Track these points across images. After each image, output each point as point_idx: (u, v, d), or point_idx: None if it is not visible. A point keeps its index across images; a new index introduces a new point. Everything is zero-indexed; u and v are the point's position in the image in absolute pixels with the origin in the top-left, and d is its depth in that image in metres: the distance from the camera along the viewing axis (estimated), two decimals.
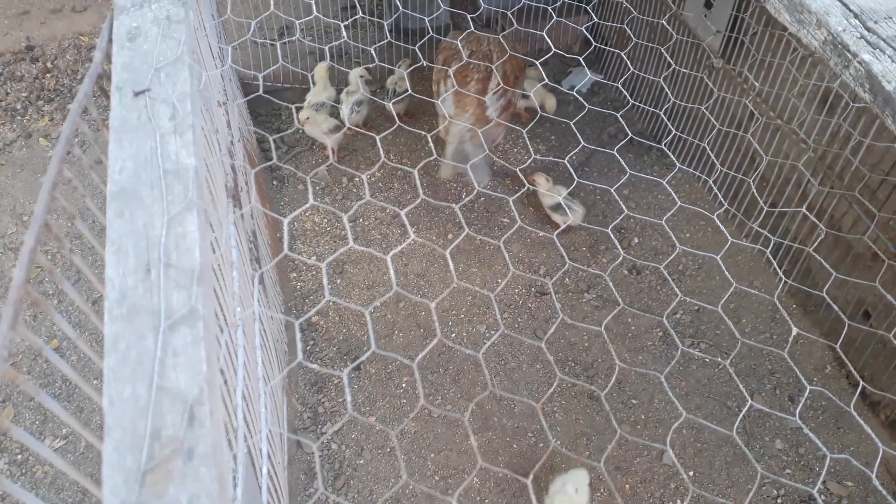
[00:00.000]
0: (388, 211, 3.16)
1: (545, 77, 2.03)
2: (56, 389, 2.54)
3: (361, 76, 3.40)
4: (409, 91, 3.41)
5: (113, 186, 1.06)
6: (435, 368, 2.64)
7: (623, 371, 2.64)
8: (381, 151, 1.83)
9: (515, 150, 3.53)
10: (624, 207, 2.02)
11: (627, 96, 2.25)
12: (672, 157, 2.01)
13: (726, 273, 1.87)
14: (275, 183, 3.31)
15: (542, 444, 2.44)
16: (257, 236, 2.28)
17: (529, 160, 3.38)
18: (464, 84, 2.97)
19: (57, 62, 3.85)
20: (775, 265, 2.88)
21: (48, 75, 3.78)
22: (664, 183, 1.92)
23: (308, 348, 2.68)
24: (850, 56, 1.41)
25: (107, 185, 1.07)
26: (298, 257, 2.96)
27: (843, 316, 1.68)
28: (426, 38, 3.15)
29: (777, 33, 2.55)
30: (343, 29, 2.00)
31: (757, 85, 2.77)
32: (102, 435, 0.81)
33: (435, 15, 2.63)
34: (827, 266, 1.75)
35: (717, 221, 1.71)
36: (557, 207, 3.02)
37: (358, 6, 3.39)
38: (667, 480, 2.37)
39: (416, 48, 2.44)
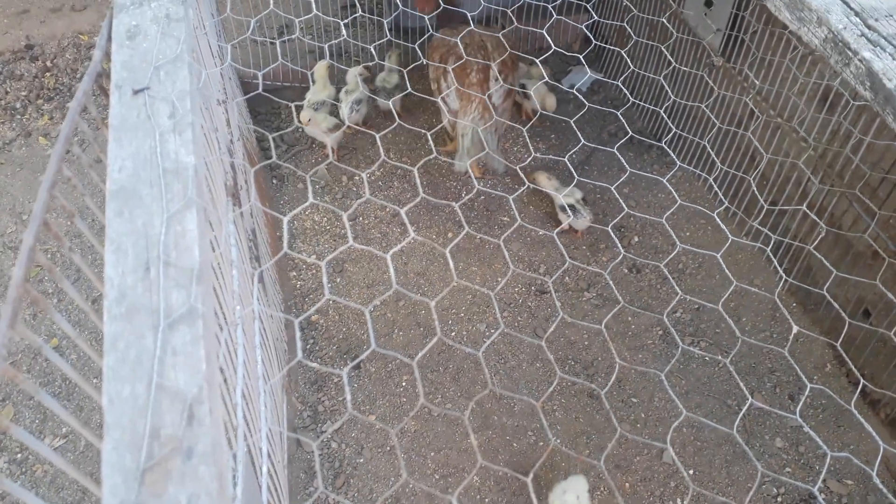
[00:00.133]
0: (387, 209, 3.16)
1: (545, 75, 2.03)
2: (56, 388, 2.54)
3: (360, 74, 3.40)
4: (399, 84, 3.42)
5: (112, 185, 1.06)
6: (435, 367, 2.64)
7: (623, 369, 2.64)
8: (381, 150, 1.83)
9: (515, 148, 3.52)
10: (624, 206, 2.02)
11: (628, 94, 2.25)
12: (672, 155, 2.01)
13: (726, 271, 1.87)
14: (274, 181, 3.31)
15: (541, 443, 2.44)
16: (257, 235, 2.28)
17: (529, 158, 3.38)
18: (464, 78, 2.99)
19: (56, 61, 3.84)
20: (776, 263, 2.88)
21: (48, 74, 3.78)
22: (664, 181, 1.92)
23: (308, 347, 2.68)
24: (850, 54, 1.40)
25: (106, 183, 1.07)
26: (298, 256, 2.96)
27: (843, 314, 1.68)
28: (426, 36, 3.15)
29: (777, 31, 2.55)
30: (343, 27, 2.00)
31: (757, 83, 2.77)
32: (102, 434, 0.81)
33: (435, 13, 2.62)
34: (827, 264, 1.75)
35: (718, 220, 1.71)
36: (565, 209, 3.00)
37: (357, 5, 3.39)
38: (667, 479, 2.37)
39: (416, 46, 2.44)
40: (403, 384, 2.59)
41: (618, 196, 2.07)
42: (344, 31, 1.91)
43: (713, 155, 2.45)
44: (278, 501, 1.74)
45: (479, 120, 3.00)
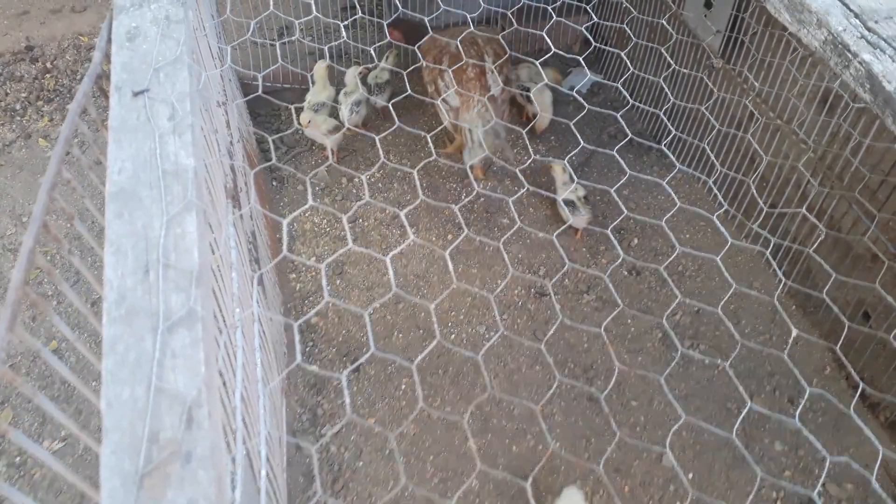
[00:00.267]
0: (387, 212, 3.16)
1: (547, 78, 2.02)
2: (55, 391, 2.53)
3: (360, 73, 3.40)
4: (389, 81, 3.44)
5: (112, 187, 1.06)
6: (434, 370, 2.63)
7: (622, 373, 2.64)
8: (381, 152, 1.82)
9: (515, 150, 3.52)
10: (623, 208, 2.02)
11: (627, 96, 2.25)
12: (672, 157, 2.01)
13: (726, 274, 1.87)
14: (274, 183, 3.30)
15: (541, 447, 2.43)
16: (257, 237, 2.27)
17: (529, 160, 3.38)
18: (461, 74, 3.02)
19: (56, 62, 3.84)
20: (775, 266, 2.88)
21: (48, 75, 3.78)
22: (664, 184, 1.92)
23: (307, 349, 2.68)
24: (850, 56, 1.40)
25: (106, 185, 1.07)
26: (298, 258, 2.96)
27: (842, 317, 1.68)
28: (426, 37, 3.15)
29: (777, 33, 2.55)
30: (342, 29, 2.00)
31: (757, 85, 2.77)
32: (100, 437, 0.81)
33: (435, 15, 2.63)
34: (826, 267, 1.75)
35: (717, 222, 1.70)
36: (566, 204, 3.02)
37: (357, 6, 3.39)
38: (666, 483, 2.36)
39: (417, 48, 2.44)
40: (403, 387, 2.58)
41: (617, 199, 2.07)
42: (344, 33, 1.91)
43: (713, 157, 2.45)
44: None
45: (484, 112, 3.02)
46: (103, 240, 1.00)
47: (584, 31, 2.60)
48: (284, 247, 1.53)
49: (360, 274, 2.94)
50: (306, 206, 3.09)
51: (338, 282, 2.92)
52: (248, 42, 3.32)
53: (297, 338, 1.42)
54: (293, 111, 2.47)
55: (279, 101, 3.02)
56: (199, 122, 1.23)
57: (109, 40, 1.33)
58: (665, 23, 3.21)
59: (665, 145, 3.24)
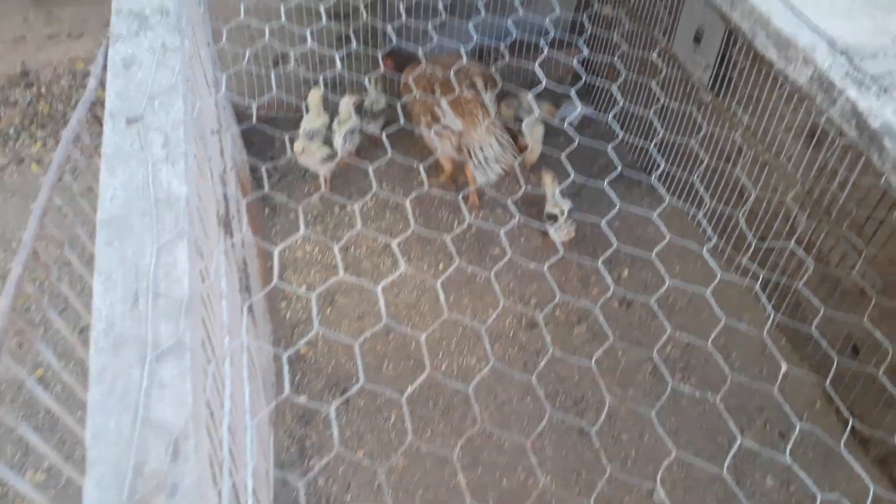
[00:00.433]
0: (379, 240, 3.16)
1: (540, 109, 2.05)
2: (39, 420, 2.49)
3: (354, 102, 3.42)
4: (384, 109, 3.49)
5: (103, 214, 1.05)
6: (424, 402, 2.61)
7: (613, 406, 2.62)
8: (374, 182, 1.83)
9: (507, 181, 3.54)
10: (614, 240, 2.03)
11: (617, 130, 2.28)
12: (661, 190, 2.02)
13: (715, 308, 1.87)
14: (267, 211, 3.30)
15: (531, 481, 2.41)
16: (248, 265, 2.26)
17: (521, 191, 3.40)
18: (460, 100, 3.07)
19: (51, 87, 3.85)
20: (764, 300, 2.89)
21: (42, 100, 3.78)
22: (653, 218, 1.93)
23: (296, 380, 2.65)
24: (836, 93, 1.43)
25: (97, 212, 1.06)
26: (288, 287, 2.94)
27: (831, 353, 1.68)
28: (414, 69, 3.20)
29: (765, 69, 2.59)
30: (337, 59, 2.01)
31: (745, 119, 2.81)
32: (84, 469, 0.79)
33: (429, 46, 2.67)
34: (815, 302, 1.76)
35: (706, 255, 1.71)
36: (549, 217, 3.07)
37: (352, 37, 3.42)
38: None
39: (413, 77, 2.46)
40: (392, 419, 2.56)
41: (607, 231, 2.08)
42: (338, 64, 1.93)
43: (702, 190, 2.48)
44: None
45: (492, 128, 3.08)
46: (93, 267, 0.99)
47: (576, 65, 2.64)
48: (275, 277, 1.53)
49: (351, 303, 2.93)
50: (298, 235, 3.09)
51: (328, 311, 2.90)
52: (243, 70, 3.35)
53: (285, 369, 1.40)
54: (287, 140, 2.48)
55: (273, 130, 3.03)
56: (193, 151, 1.23)
57: (105, 67, 1.34)
58: (655, 57, 3.26)
59: (655, 178, 3.26)
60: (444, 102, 3.06)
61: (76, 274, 2.91)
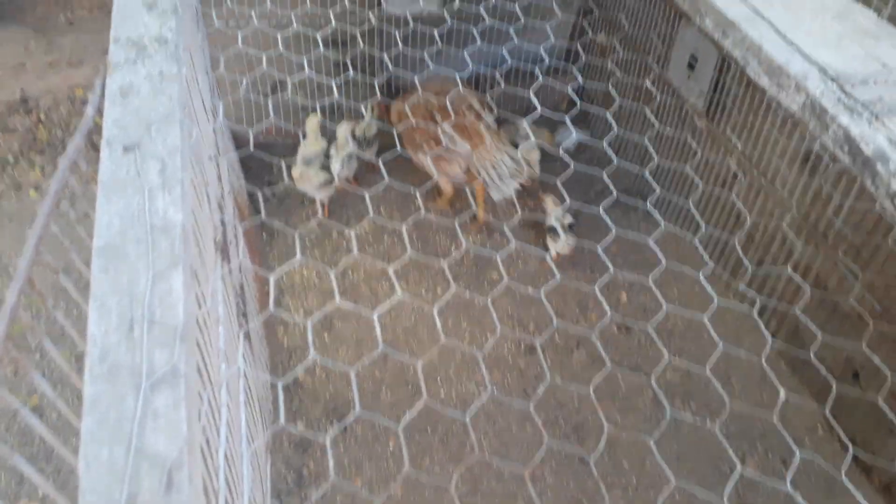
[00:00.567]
0: (377, 265, 3.16)
1: (531, 134, 2.06)
2: (34, 449, 2.46)
3: (351, 128, 3.45)
4: (377, 135, 3.53)
5: (99, 241, 1.05)
6: (423, 429, 2.59)
7: (614, 432, 2.60)
8: (370, 209, 1.83)
9: (504, 205, 3.55)
10: (610, 267, 2.03)
11: (612, 156, 2.29)
12: (657, 215, 2.03)
13: (713, 334, 1.87)
14: (265, 236, 3.31)
15: None
16: (245, 290, 2.26)
17: (517, 217, 3.41)
18: (462, 122, 3.10)
19: (50, 114, 3.88)
20: (762, 326, 2.89)
21: (41, 127, 3.80)
22: (650, 242, 1.94)
23: (294, 407, 2.63)
24: (828, 119, 1.44)
25: (93, 239, 1.06)
26: (285, 315, 2.94)
27: (830, 379, 1.68)
28: (418, 95, 3.23)
29: (759, 95, 2.62)
30: (334, 87, 2.03)
31: (740, 145, 2.83)
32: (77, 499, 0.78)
33: (425, 73, 2.70)
34: (812, 327, 1.76)
35: (703, 281, 1.71)
36: (550, 230, 3.12)
37: (349, 65, 3.46)
38: None
39: (408, 106, 2.48)
40: (391, 447, 2.53)
41: (604, 257, 2.09)
42: (335, 91, 1.94)
43: (697, 216, 2.49)
44: None
45: (500, 143, 3.11)
46: (89, 294, 0.99)
47: (570, 92, 2.68)
48: (271, 304, 1.52)
49: (348, 328, 2.92)
50: (294, 262, 3.09)
51: (326, 336, 2.89)
52: (241, 97, 3.38)
53: (280, 398, 1.39)
54: (283, 167, 2.49)
55: (270, 157, 3.04)
56: (190, 177, 1.24)
57: (103, 95, 1.35)
58: (649, 85, 3.29)
59: (650, 203, 3.28)
60: (447, 127, 3.09)
61: (73, 299, 2.90)
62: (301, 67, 3.14)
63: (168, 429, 0.84)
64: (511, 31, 2.57)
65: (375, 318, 1.37)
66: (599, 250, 1.78)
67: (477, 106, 3.22)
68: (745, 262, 2.13)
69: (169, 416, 0.85)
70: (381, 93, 3.64)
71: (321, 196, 3.32)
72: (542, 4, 3.45)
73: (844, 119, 1.42)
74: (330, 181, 3.23)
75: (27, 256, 0.91)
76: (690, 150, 3.11)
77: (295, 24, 2.36)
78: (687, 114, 3.12)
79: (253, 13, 2.28)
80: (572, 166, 2.03)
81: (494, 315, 2.96)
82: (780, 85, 1.60)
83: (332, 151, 3.39)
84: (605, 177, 2.07)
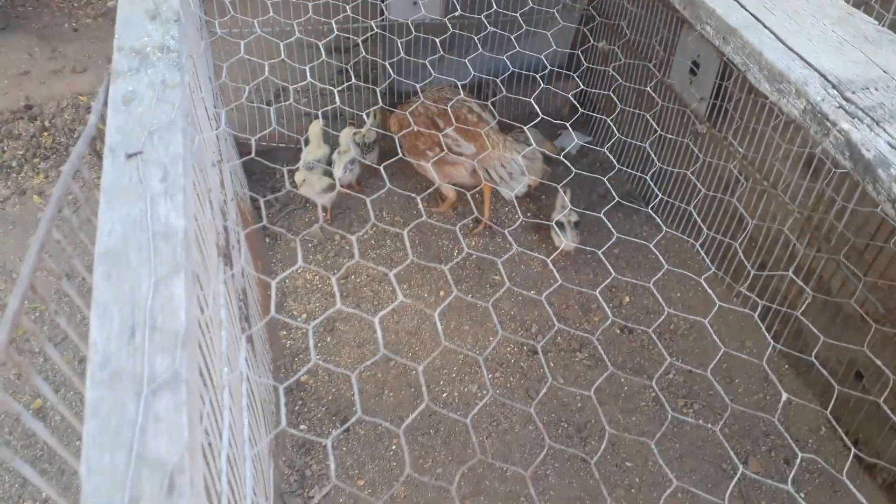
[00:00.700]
0: (379, 269, 3.17)
1: (533, 140, 2.07)
2: (38, 451, 2.48)
3: (354, 134, 3.46)
4: (377, 140, 3.55)
5: (101, 248, 1.06)
6: (426, 430, 2.60)
7: (617, 432, 2.61)
8: (372, 214, 1.84)
9: (507, 208, 3.56)
10: (612, 270, 2.04)
11: (614, 162, 2.30)
12: (659, 220, 2.04)
13: (714, 337, 1.88)
14: (268, 240, 3.32)
15: None
16: (248, 294, 2.27)
17: (518, 222, 3.41)
18: (466, 126, 3.12)
19: (55, 121, 3.90)
20: (763, 329, 2.89)
21: (45, 133, 3.83)
22: (651, 246, 1.94)
23: (296, 409, 2.64)
24: (829, 125, 1.44)
25: (95, 246, 1.07)
26: (286, 319, 2.95)
27: (832, 381, 1.68)
28: (420, 101, 3.24)
29: (760, 100, 2.62)
30: (336, 94, 2.04)
31: (741, 150, 2.83)
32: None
33: (427, 81, 2.71)
34: (815, 330, 1.76)
35: (704, 284, 1.72)
36: (557, 226, 3.15)
37: (351, 72, 3.47)
38: None
39: (408, 113, 2.49)
40: (393, 448, 2.54)
41: (605, 261, 2.09)
42: (337, 98, 1.96)
43: (699, 221, 2.49)
44: None
45: (510, 144, 3.13)
46: (91, 300, 1.00)
47: (571, 98, 2.69)
48: (272, 308, 1.53)
49: (351, 330, 2.93)
50: (296, 267, 3.10)
51: (328, 339, 2.90)
52: (244, 104, 3.40)
53: (282, 401, 1.40)
54: (285, 173, 2.52)
55: (273, 164, 3.06)
56: (192, 184, 1.25)
57: (106, 103, 1.36)
58: (651, 90, 3.30)
59: (652, 208, 3.29)
60: (450, 130, 3.10)
61: (76, 306, 2.92)
62: (303, 75, 3.16)
63: (169, 433, 0.85)
64: (513, 38, 2.58)
65: (377, 322, 1.38)
66: (601, 255, 1.79)
67: (477, 109, 3.24)
68: (748, 266, 2.13)
69: (170, 420, 0.86)
70: (383, 100, 3.66)
71: (323, 201, 3.33)
72: (544, 12, 3.46)
73: (845, 125, 1.42)
74: (332, 186, 3.25)
75: (30, 262, 0.92)
76: (692, 156, 3.11)
77: (297, 32, 2.37)
78: (689, 119, 3.12)
79: (255, 21, 2.29)
80: (573, 172, 2.03)
81: (496, 318, 2.97)
82: (780, 91, 1.60)
83: (335, 157, 3.41)
84: (605, 182, 2.07)
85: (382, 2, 3.25)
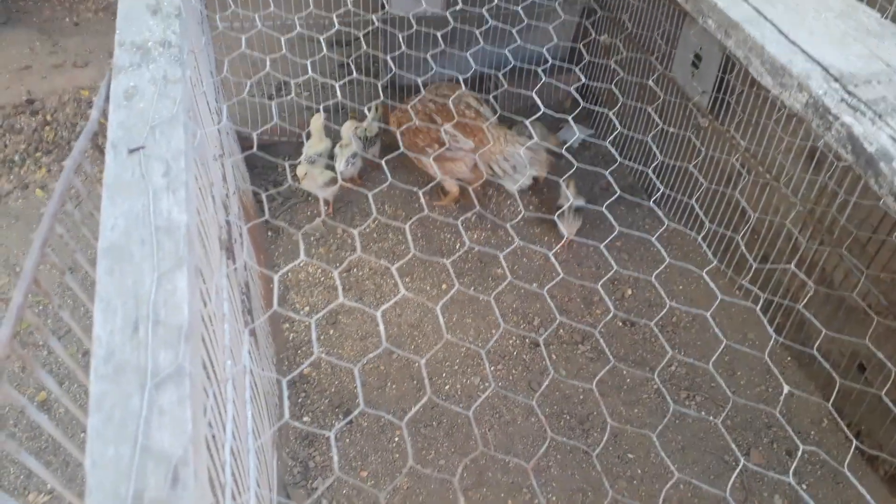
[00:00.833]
0: (381, 262, 3.18)
1: (534, 135, 2.07)
2: (42, 443, 2.50)
3: (356, 127, 3.46)
4: (379, 134, 3.56)
5: (104, 242, 1.07)
6: (428, 422, 2.61)
7: (619, 424, 2.61)
8: (374, 208, 1.85)
9: (509, 202, 3.56)
10: (614, 264, 2.04)
11: (617, 155, 2.30)
12: (661, 213, 2.04)
13: (716, 330, 1.88)
14: (270, 234, 3.33)
15: (537, 502, 2.39)
16: (250, 287, 2.28)
17: (520, 216, 3.42)
18: (464, 119, 3.12)
19: (56, 115, 3.90)
20: (765, 322, 2.89)
21: (47, 128, 3.83)
22: (653, 239, 1.94)
23: (300, 401, 2.65)
24: (831, 119, 1.44)
25: (98, 241, 1.08)
26: (288, 313, 2.95)
27: (834, 374, 1.68)
28: (419, 97, 3.24)
29: (762, 94, 2.61)
30: (337, 88, 2.04)
31: (744, 143, 2.83)
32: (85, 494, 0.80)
33: (429, 75, 2.71)
34: (817, 323, 1.76)
35: (707, 277, 1.72)
36: (560, 209, 3.17)
37: (353, 66, 3.47)
38: None
39: (410, 107, 2.49)
40: (396, 439, 2.55)
41: (607, 255, 2.09)
42: (339, 92, 1.96)
43: (701, 214, 2.49)
44: None
45: (512, 138, 3.14)
46: (94, 293, 1.01)
47: (573, 92, 2.68)
48: (275, 302, 1.54)
49: (353, 323, 2.93)
50: (298, 261, 3.11)
51: (331, 332, 2.91)
52: (245, 99, 3.40)
53: (285, 394, 1.41)
54: (287, 168, 2.52)
55: (275, 158, 3.06)
56: (194, 178, 1.25)
57: (108, 98, 1.36)
58: (653, 83, 3.29)
59: (654, 201, 3.28)
60: (448, 127, 3.11)
61: (79, 299, 2.93)
62: (305, 69, 3.16)
63: (173, 426, 0.85)
64: (514, 31, 2.58)
65: (379, 316, 1.39)
66: (603, 248, 1.79)
67: (475, 104, 3.24)
68: (750, 259, 2.13)
69: (174, 413, 0.87)
70: (385, 94, 3.66)
71: (325, 195, 3.33)
72: (546, 5, 3.45)
73: (848, 118, 1.42)
74: (334, 180, 3.25)
75: (33, 257, 0.93)
76: (694, 149, 3.11)
77: (299, 27, 2.37)
78: (691, 112, 3.12)
79: (257, 16, 2.29)
80: (575, 166, 2.03)
81: (497, 312, 2.98)
82: (782, 85, 1.60)
83: (337, 150, 3.41)
84: (607, 175, 2.07)
85: None
